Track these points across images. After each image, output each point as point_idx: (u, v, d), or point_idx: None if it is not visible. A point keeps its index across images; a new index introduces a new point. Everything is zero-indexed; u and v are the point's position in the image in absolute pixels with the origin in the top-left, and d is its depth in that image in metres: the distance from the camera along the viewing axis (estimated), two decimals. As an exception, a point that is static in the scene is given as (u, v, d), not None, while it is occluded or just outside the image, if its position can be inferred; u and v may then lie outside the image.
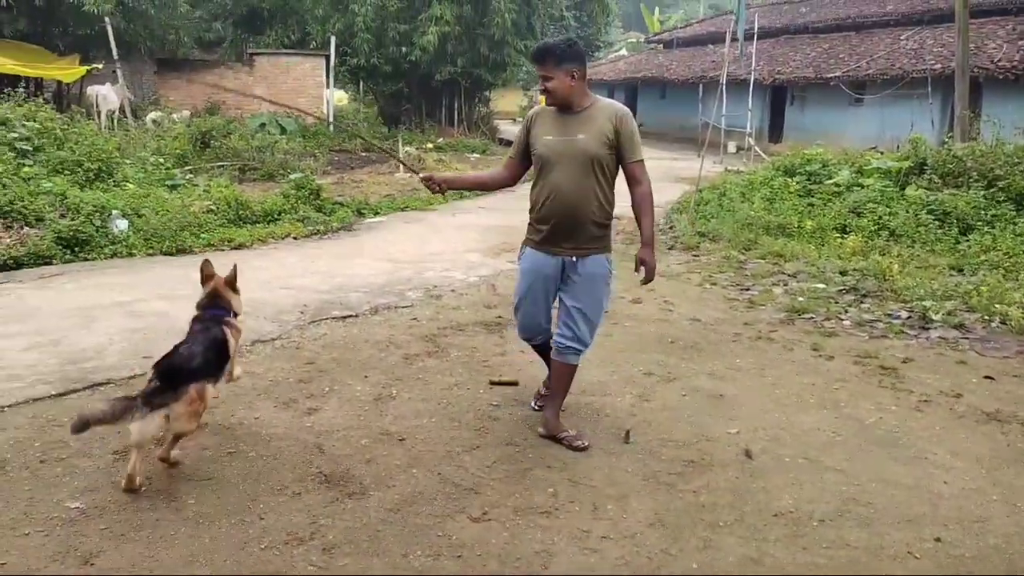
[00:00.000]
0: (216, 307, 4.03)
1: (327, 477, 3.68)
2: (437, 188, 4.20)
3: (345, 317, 6.42)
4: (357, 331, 6.07)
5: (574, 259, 3.99)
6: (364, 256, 8.89)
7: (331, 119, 23.67)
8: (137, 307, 6.37)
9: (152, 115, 19.10)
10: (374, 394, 4.76)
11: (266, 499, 3.46)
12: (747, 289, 7.62)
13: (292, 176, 12.17)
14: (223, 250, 8.88)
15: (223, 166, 14.67)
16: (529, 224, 4.16)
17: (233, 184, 12.16)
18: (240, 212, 10.18)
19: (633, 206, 4.00)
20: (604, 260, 4.05)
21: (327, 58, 23.52)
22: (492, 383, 4.98)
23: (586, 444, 4.06)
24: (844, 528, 3.32)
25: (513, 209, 12.17)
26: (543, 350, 4.40)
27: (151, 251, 8.51)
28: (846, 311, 6.80)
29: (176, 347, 3.70)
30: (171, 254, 8.54)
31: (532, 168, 4.14)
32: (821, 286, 7.53)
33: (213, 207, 10.10)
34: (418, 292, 7.32)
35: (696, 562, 3.08)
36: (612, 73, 34.85)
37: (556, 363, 4.18)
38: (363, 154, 20.52)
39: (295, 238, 9.80)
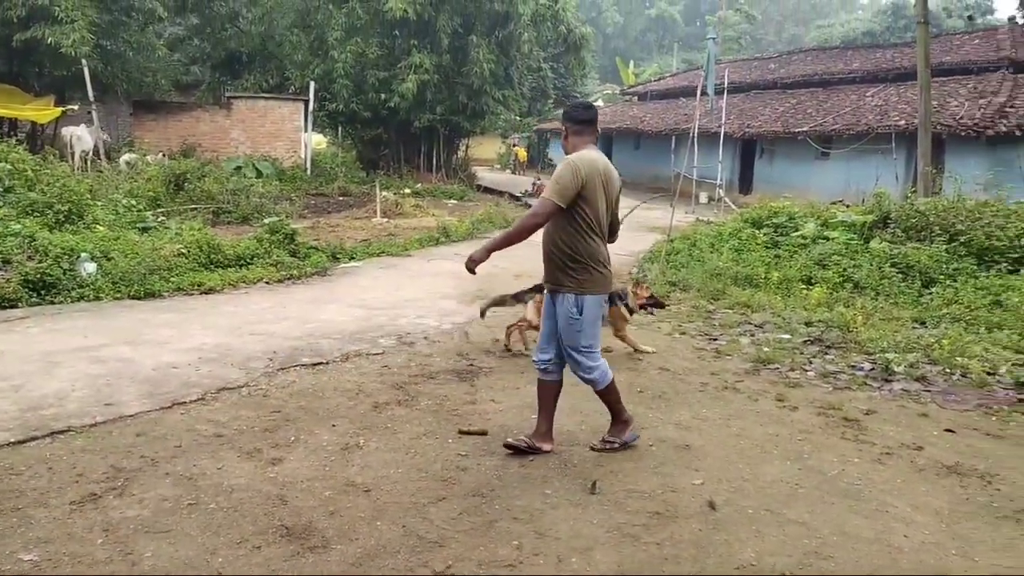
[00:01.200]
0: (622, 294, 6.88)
1: (289, 530, 3.64)
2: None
3: (315, 364, 6.39)
4: (327, 379, 6.04)
5: (549, 293, 4.58)
6: (337, 302, 8.89)
7: (308, 163, 23.79)
8: (101, 352, 6.31)
9: (125, 157, 19.06)
10: (341, 443, 4.73)
11: (225, 553, 3.41)
12: (715, 339, 7.70)
13: (266, 220, 12.18)
14: (192, 295, 8.84)
15: (196, 209, 14.65)
16: None
17: (206, 227, 12.14)
18: (212, 256, 10.13)
19: None
20: (569, 298, 4.44)
21: (306, 103, 23.72)
22: (461, 432, 4.97)
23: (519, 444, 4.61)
24: (806, 583, 3.34)
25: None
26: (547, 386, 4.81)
27: (119, 295, 8.43)
28: (810, 362, 6.89)
29: None
30: (139, 298, 8.48)
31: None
32: (786, 337, 7.63)
33: (184, 250, 10.06)
34: (390, 339, 7.31)
35: (658, 617, 3.08)
36: (587, 123, 35.27)
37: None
38: (341, 198, 20.58)
39: (268, 283, 9.78)
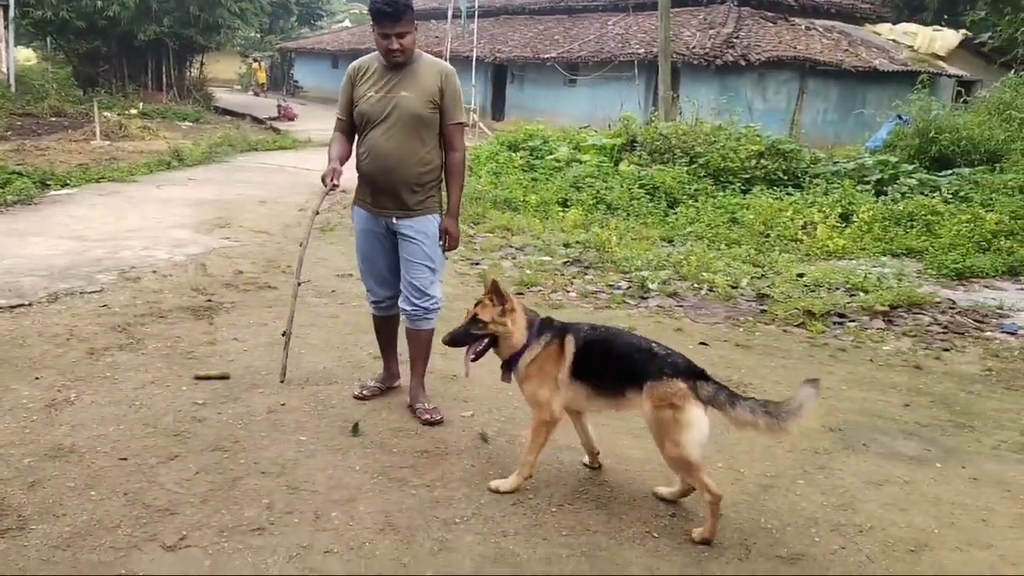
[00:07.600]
0: None
1: (-28, 513, 2.90)
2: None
3: (14, 307, 5.37)
4: (29, 323, 5.08)
5: (395, 219, 3.83)
6: (44, 234, 7.63)
7: (12, 79, 20.61)
8: None
9: None
10: (46, 399, 3.93)
11: None
12: (477, 263, 7.49)
13: (-49, 141, 10.25)
14: None
15: None
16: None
17: None
18: None
19: (444, 172, 3.91)
20: (432, 219, 3.88)
21: (5, 8, 20.40)
22: (198, 377, 4.34)
23: (439, 418, 3.95)
24: (583, 511, 3.18)
25: (228, 181, 11.20)
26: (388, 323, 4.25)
27: None
28: (572, 283, 6.88)
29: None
30: None
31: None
32: (547, 259, 7.60)
33: None
34: (111, 274, 6.35)
35: (431, 568, 2.77)
36: (336, 43, 33.62)
37: (410, 331, 4.05)
38: (53, 119, 18.09)
39: (-47, 214, 8.21)
